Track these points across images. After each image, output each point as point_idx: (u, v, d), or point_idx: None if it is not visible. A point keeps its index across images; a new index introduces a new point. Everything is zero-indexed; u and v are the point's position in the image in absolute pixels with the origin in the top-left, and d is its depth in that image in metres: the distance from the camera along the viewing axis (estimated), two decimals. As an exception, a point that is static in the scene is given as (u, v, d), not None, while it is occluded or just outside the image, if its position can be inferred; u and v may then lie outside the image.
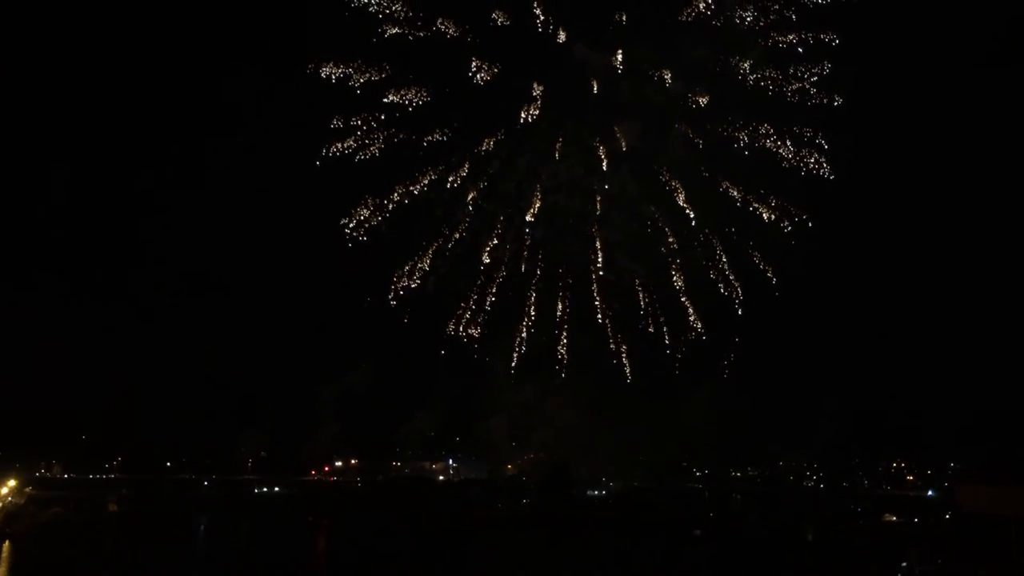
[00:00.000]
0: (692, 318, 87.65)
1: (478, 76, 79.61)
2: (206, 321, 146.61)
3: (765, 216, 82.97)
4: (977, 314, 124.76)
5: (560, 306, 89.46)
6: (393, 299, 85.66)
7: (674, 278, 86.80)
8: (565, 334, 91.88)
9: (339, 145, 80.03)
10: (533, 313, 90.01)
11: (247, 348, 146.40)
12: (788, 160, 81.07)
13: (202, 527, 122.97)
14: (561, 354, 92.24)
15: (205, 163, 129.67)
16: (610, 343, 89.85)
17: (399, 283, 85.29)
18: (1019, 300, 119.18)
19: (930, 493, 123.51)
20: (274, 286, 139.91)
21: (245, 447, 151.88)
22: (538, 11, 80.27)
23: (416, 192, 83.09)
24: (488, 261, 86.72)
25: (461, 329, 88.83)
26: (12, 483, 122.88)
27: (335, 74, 79.03)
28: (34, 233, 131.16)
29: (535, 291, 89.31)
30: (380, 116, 79.78)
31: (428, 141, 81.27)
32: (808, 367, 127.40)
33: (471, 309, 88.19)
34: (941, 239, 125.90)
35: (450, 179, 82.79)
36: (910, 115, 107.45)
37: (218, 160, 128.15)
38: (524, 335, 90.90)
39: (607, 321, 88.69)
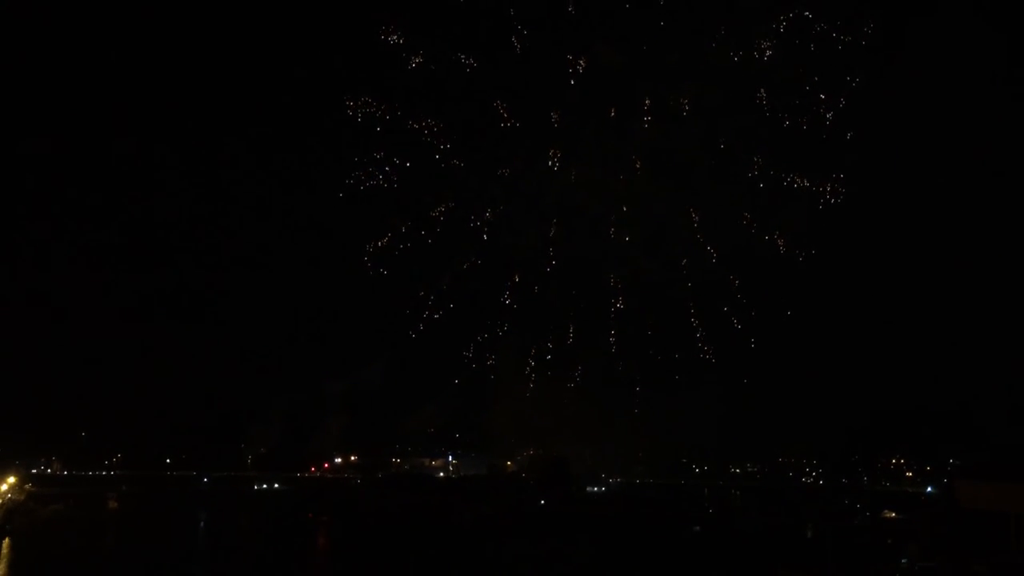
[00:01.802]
0: (701, 344, 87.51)
1: (497, 104, 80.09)
2: (208, 322, 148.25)
3: (781, 246, 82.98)
4: (975, 316, 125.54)
5: (571, 328, 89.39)
6: (412, 330, 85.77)
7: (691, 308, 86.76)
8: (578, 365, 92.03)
9: (360, 174, 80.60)
10: (549, 343, 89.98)
11: (250, 348, 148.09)
12: (802, 189, 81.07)
13: (202, 523, 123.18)
14: (574, 379, 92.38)
15: (223, 176, 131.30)
16: (619, 367, 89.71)
17: (418, 311, 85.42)
18: (1018, 302, 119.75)
19: (929, 489, 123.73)
20: (285, 294, 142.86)
21: (250, 443, 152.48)
22: (557, 39, 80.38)
23: (435, 219, 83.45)
24: (508, 290, 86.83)
25: (474, 357, 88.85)
26: (12, 480, 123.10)
27: (360, 108, 79.59)
28: (37, 233, 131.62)
29: (550, 319, 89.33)
30: (400, 147, 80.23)
31: (446, 167, 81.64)
32: (809, 365, 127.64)
33: (486, 335, 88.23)
34: (941, 244, 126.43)
35: (472, 211, 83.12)
36: (920, 144, 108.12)
37: (234, 171, 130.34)
38: (534, 364, 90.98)
39: (619, 349, 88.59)
